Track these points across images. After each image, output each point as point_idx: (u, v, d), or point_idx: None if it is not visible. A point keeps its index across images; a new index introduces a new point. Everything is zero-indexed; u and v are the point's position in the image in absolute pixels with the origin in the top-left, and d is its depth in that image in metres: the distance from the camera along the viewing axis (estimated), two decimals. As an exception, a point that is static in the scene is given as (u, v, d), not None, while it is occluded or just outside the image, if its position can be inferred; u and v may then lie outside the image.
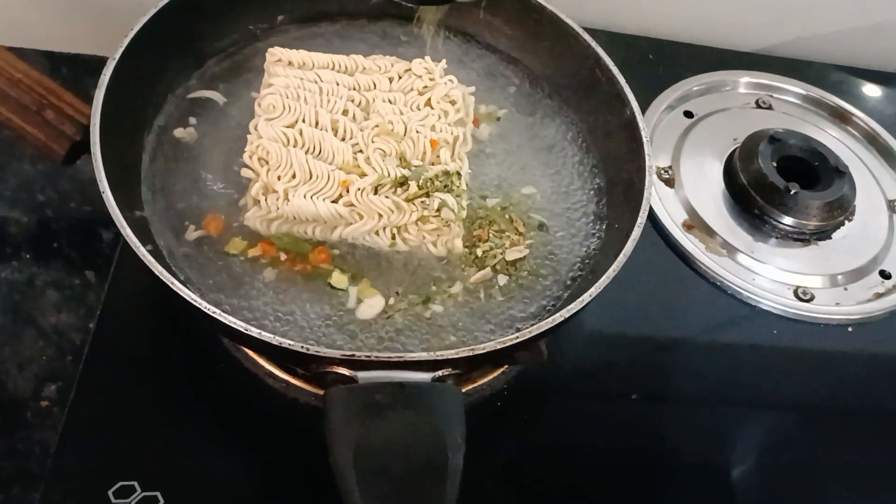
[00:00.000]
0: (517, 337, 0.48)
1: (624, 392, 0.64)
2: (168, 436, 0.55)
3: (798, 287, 0.72)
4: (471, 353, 0.47)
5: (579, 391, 0.64)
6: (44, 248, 0.68)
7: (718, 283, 0.71)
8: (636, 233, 0.54)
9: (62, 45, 0.81)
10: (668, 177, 0.78)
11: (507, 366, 0.61)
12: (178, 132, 0.60)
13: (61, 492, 0.51)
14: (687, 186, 0.77)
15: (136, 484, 0.51)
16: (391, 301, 0.55)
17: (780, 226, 0.75)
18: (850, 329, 0.71)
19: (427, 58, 0.64)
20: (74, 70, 0.80)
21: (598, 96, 0.65)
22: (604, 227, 0.61)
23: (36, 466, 0.57)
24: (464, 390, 0.58)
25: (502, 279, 0.57)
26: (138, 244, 0.46)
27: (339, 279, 0.55)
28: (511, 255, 0.58)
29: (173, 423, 0.56)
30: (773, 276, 0.73)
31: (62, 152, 0.57)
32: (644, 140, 0.59)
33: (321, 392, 0.56)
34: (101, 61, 0.78)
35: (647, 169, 0.58)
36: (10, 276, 0.66)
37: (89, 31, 0.80)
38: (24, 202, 0.70)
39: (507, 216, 0.60)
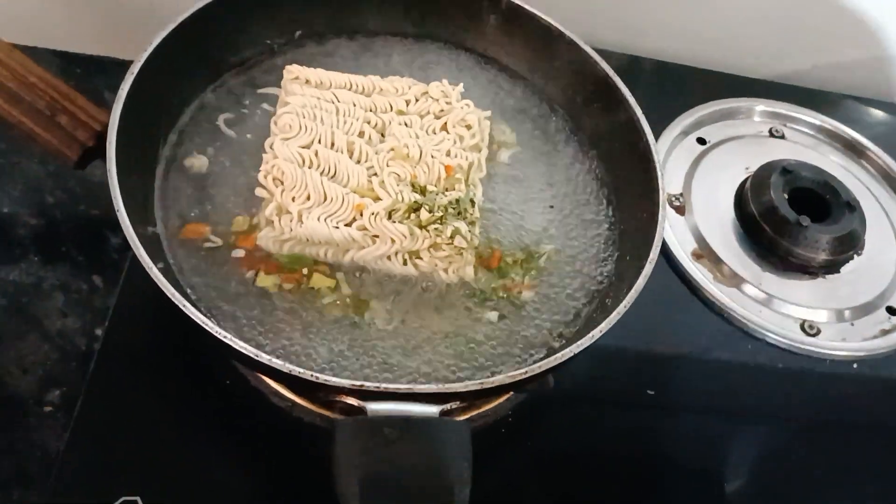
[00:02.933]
0: (525, 372, 0.48)
1: (627, 420, 0.65)
2: (172, 451, 0.55)
3: (805, 321, 0.72)
4: (479, 387, 0.47)
5: (583, 418, 0.64)
6: (51, 251, 0.67)
7: (725, 314, 0.71)
8: (648, 269, 0.54)
9: (75, 46, 0.80)
10: (678, 204, 0.78)
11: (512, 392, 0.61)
12: (194, 153, 0.60)
13: (64, 505, 0.51)
14: (697, 214, 0.77)
15: (138, 499, 0.51)
16: (396, 323, 0.54)
17: (789, 258, 0.75)
18: (855, 365, 0.71)
19: (444, 81, 0.64)
20: (87, 71, 0.79)
21: (611, 122, 0.65)
22: (615, 257, 0.61)
23: (36, 469, 0.57)
24: (468, 416, 0.59)
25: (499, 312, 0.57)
26: (151, 265, 0.46)
27: (321, 280, 0.55)
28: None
29: (178, 439, 0.56)
30: (779, 308, 0.73)
31: (74, 158, 0.56)
32: (658, 176, 0.58)
33: (326, 413, 0.56)
34: (113, 62, 0.79)
35: (660, 203, 0.57)
36: (17, 277, 0.65)
37: (103, 32, 0.80)
38: (32, 203, 0.70)
39: (515, 255, 0.60)
